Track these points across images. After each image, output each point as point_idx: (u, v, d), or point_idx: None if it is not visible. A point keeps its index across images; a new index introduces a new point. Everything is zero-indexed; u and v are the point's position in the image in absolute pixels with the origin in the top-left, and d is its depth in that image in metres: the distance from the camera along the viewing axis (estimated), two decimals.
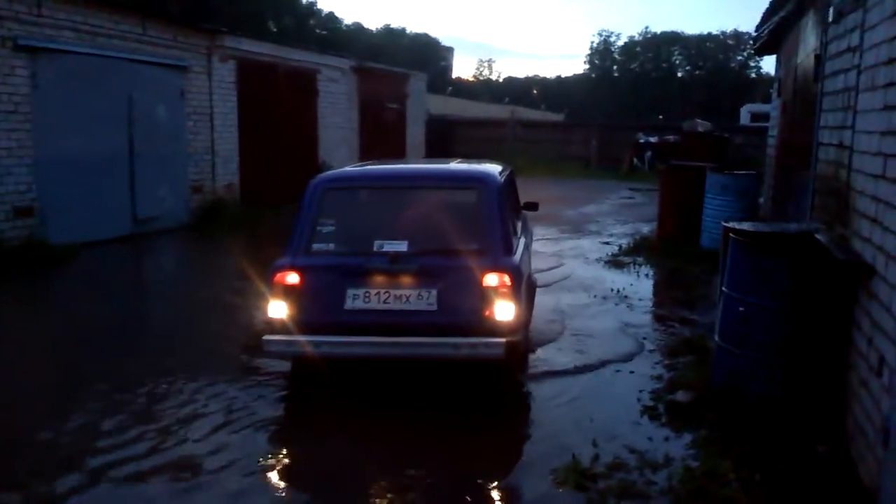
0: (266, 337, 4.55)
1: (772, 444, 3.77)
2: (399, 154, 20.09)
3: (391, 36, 62.73)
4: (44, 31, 9.34)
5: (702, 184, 9.41)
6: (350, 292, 4.47)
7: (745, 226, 4.60)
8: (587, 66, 70.40)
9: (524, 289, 4.79)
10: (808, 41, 7.12)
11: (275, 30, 40.30)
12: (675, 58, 67.28)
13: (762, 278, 4.21)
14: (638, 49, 67.83)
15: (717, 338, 4.54)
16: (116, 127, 10.66)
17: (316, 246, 4.65)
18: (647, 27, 77.57)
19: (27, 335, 6.18)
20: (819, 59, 5.63)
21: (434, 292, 4.43)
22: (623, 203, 16.52)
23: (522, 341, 4.83)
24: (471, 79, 77.93)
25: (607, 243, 10.68)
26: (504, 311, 4.40)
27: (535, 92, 72.42)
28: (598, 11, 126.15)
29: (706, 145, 11.57)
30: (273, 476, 3.74)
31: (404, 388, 4.79)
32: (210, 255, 10.38)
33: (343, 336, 4.46)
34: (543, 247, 9.84)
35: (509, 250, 4.67)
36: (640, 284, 8.05)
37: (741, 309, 4.26)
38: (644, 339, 5.96)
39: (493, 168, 5.38)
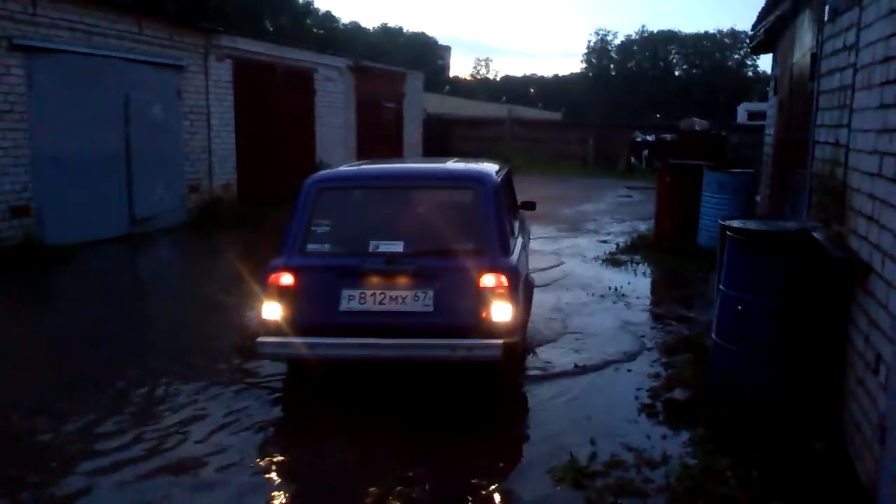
0: (260, 339, 4.48)
1: (769, 442, 3.78)
2: (396, 153, 20.08)
3: (388, 35, 62.69)
4: (39, 30, 9.31)
5: (699, 182, 9.43)
6: (345, 293, 4.42)
7: (742, 224, 4.60)
8: (584, 65, 70.45)
9: (521, 289, 4.75)
10: (805, 40, 7.13)
11: (271, 29, 40.22)
12: (672, 56, 67.35)
13: (759, 276, 4.22)
14: (635, 48, 67.88)
15: (714, 336, 4.55)
16: (113, 126, 10.64)
17: (311, 246, 4.60)
18: (644, 26, 77.43)
19: (22, 335, 6.16)
20: (815, 58, 5.63)
21: (430, 293, 4.39)
22: (620, 202, 16.54)
23: (520, 342, 4.76)
24: (468, 78, 77.87)
25: (605, 242, 10.69)
26: (501, 312, 4.36)
27: (532, 91, 72.40)
28: (596, 10, 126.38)
29: (703, 144, 11.62)
30: (269, 480, 3.70)
31: (401, 390, 4.75)
32: (207, 254, 10.36)
33: (338, 338, 4.40)
34: (541, 245, 9.84)
35: (506, 250, 4.63)
36: (637, 283, 8.06)
37: (739, 308, 4.27)
38: (642, 337, 5.97)
39: (490, 167, 5.34)
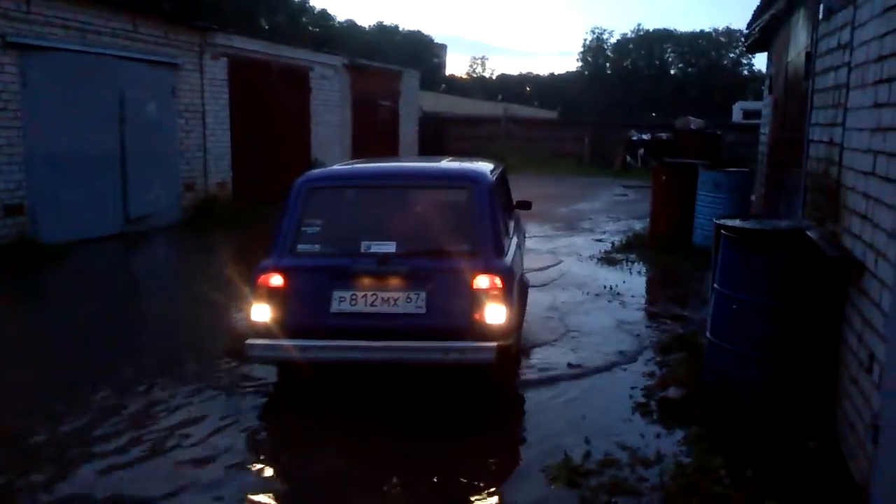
0: (249, 341, 4.38)
1: (763, 441, 3.78)
2: (392, 151, 20.06)
3: (384, 33, 62.66)
4: (33, 28, 9.27)
5: (694, 181, 9.43)
6: (336, 295, 4.33)
7: (737, 223, 4.60)
8: (580, 64, 70.60)
9: (516, 291, 4.67)
10: (799, 38, 7.14)
11: (267, 27, 40.17)
12: (667, 55, 67.48)
13: (753, 275, 4.22)
14: (631, 46, 67.98)
15: (708, 334, 4.55)
16: (108, 125, 10.60)
17: (301, 247, 4.51)
18: (639, 24, 77.72)
19: (16, 334, 6.15)
20: (810, 57, 5.64)
21: (423, 295, 4.31)
22: (616, 200, 16.55)
23: (514, 345, 4.64)
24: (464, 76, 77.99)
25: (600, 240, 10.69)
26: (495, 314, 4.27)
27: (528, 89, 72.46)
28: (592, 9, 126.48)
29: (699, 143, 11.65)
30: (259, 485, 3.65)
31: (393, 392, 4.69)
32: (202, 253, 10.33)
33: (329, 340, 4.31)
34: (537, 244, 9.84)
35: (501, 251, 4.56)
36: (632, 281, 8.06)
37: (734, 307, 4.27)
38: (637, 335, 5.97)
39: (485, 166, 5.29)
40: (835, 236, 4.06)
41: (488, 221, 4.57)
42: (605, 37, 69.54)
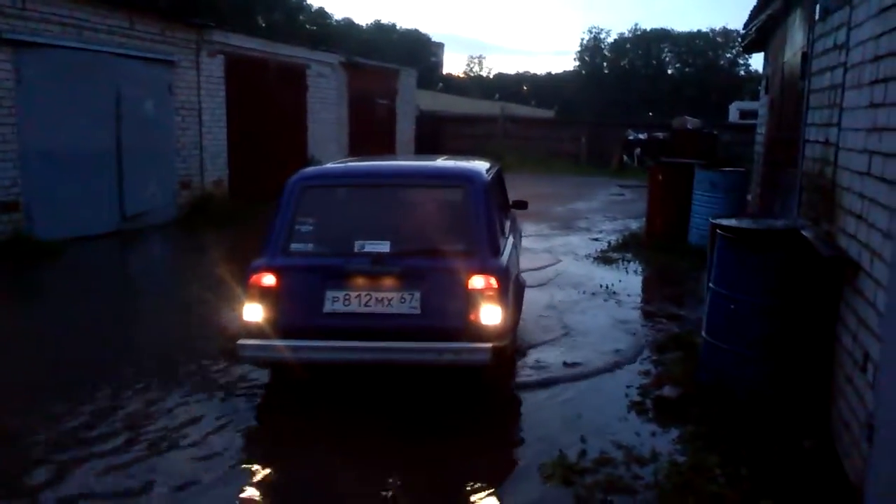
0: (241, 341, 4.32)
1: (758, 439, 3.79)
2: (389, 150, 20.05)
3: (381, 32, 62.59)
4: (28, 24, 9.24)
5: (691, 181, 9.45)
6: (329, 295, 4.28)
7: (732, 222, 4.61)
8: (577, 63, 70.56)
9: (512, 291, 4.63)
10: (796, 39, 7.15)
11: (264, 25, 40.06)
12: (664, 55, 67.51)
13: (749, 274, 4.23)
14: (628, 46, 68.01)
15: (704, 334, 4.56)
16: (104, 122, 10.58)
17: (294, 246, 4.46)
18: (637, 24, 77.81)
19: (11, 331, 6.13)
20: (806, 57, 5.65)
21: (417, 295, 4.26)
22: (612, 200, 16.56)
23: (510, 346, 4.60)
24: (461, 75, 77.92)
25: (597, 240, 10.70)
26: (490, 315, 4.23)
27: (525, 88, 72.44)
28: (589, 8, 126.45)
29: (695, 142, 11.66)
30: (256, 486, 3.63)
31: (387, 392, 4.65)
32: (198, 251, 10.30)
33: (322, 340, 4.25)
34: (533, 243, 9.84)
35: (496, 251, 4.52)
36: (628, 281, 8.07)
37: (732, 306, 4.28)
38: (633, 335, 5.98)
39: (480, 165, 5.24)
40: (830, 236, 4.07)
41: (484, 221, 4.53)
42: (602, 36, 69.65)
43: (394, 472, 3.66)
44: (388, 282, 4.32)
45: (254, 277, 4.35)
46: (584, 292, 7.42)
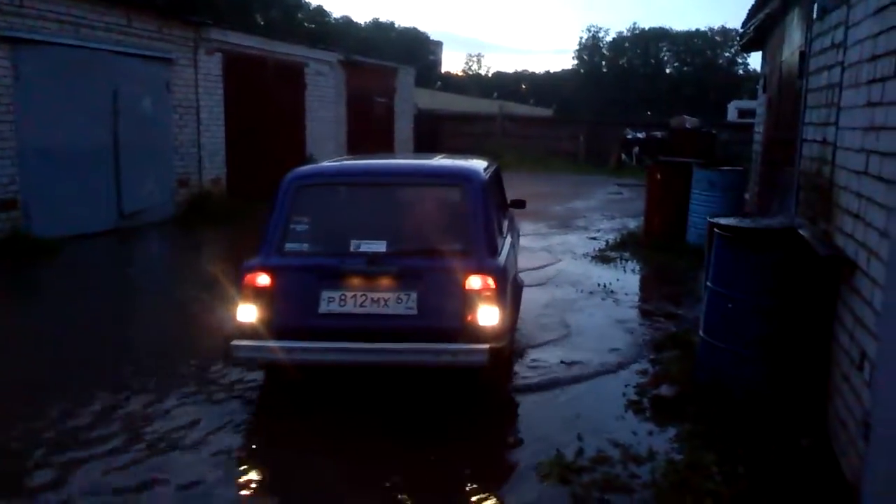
0: (234, 342, 4.24)
1: (755, 438, 3.79)
2: (387, 148, 20.03)
3: (380, 30, 62.54)
4: (26, 21, 9.22)
5: (689, 180, 9.45)
6: (325, 295, 4.23)
7: (730, 221, 4.61)
8: (576, 62, 70.65)
9: (509, 291, 4.59)
10: (793, 38, 7.16)
11: (262, 23, 40.03)
12: (663, 54, 67.55)
13: (746, 273, 4.24)
14: (626, 45, 68.03)
15: (702, 333, 4.57)
16: (101, 119, 10.56)
17: (289, 246, 4.39)
18: (635, 23, 77.75)
19: (8, 330, 6.11)
20: (803, 56, 5.65)
21: (414, 295, 4.21)
22: (610, 199, 16.56)
23: (507, 346, 4.52)
24: (460, 73, 77.84)
25: (594, 239, 10.71)
26: (488, 315, 4.18)
27: (523, 87, 72.41)
28: (588, 7, 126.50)
29: (693, 141, 11.65)
30: (254, 487, 3.62)
31: (384, 393, 4.62)
32: (195, 250, 10.31)
33: (317, 342, 4.20)
34: (531, 242, 9.84)
35: (494, 251, 4.47)
36: (626, 280, 8.08)
37: (729, 305, 4.28)
38: (631, 333, 5.98)
39: (478, 164, 5.19)
40: (827, 235, 4.07)
41: (481, 220, 4.48)
42: (600, 35, 69.68)
43: (391, 472, 3.66)
44: (385, 282, 4.27)
45: (248, 277, 4.29)
46: (581, 291, 7.42)
